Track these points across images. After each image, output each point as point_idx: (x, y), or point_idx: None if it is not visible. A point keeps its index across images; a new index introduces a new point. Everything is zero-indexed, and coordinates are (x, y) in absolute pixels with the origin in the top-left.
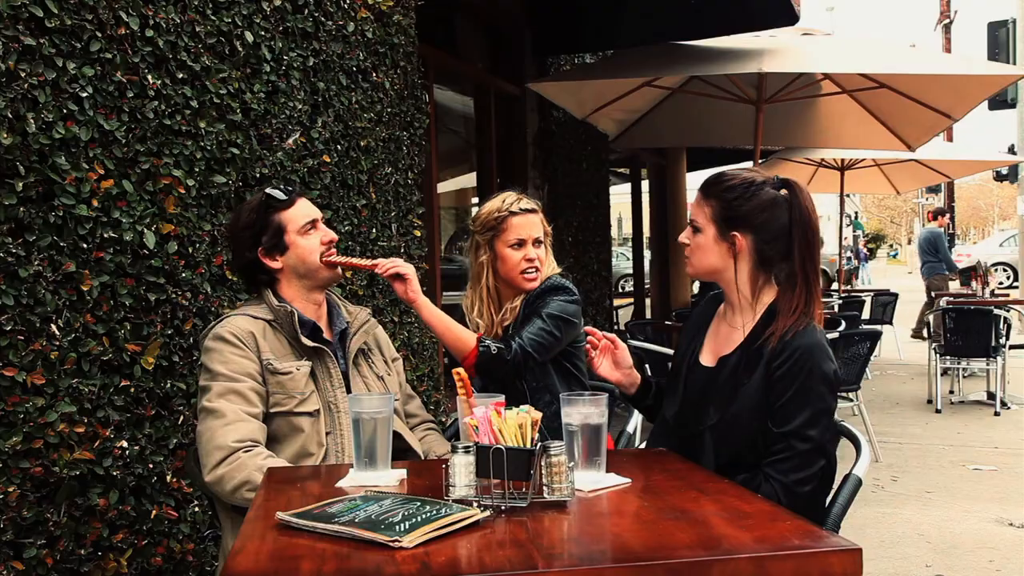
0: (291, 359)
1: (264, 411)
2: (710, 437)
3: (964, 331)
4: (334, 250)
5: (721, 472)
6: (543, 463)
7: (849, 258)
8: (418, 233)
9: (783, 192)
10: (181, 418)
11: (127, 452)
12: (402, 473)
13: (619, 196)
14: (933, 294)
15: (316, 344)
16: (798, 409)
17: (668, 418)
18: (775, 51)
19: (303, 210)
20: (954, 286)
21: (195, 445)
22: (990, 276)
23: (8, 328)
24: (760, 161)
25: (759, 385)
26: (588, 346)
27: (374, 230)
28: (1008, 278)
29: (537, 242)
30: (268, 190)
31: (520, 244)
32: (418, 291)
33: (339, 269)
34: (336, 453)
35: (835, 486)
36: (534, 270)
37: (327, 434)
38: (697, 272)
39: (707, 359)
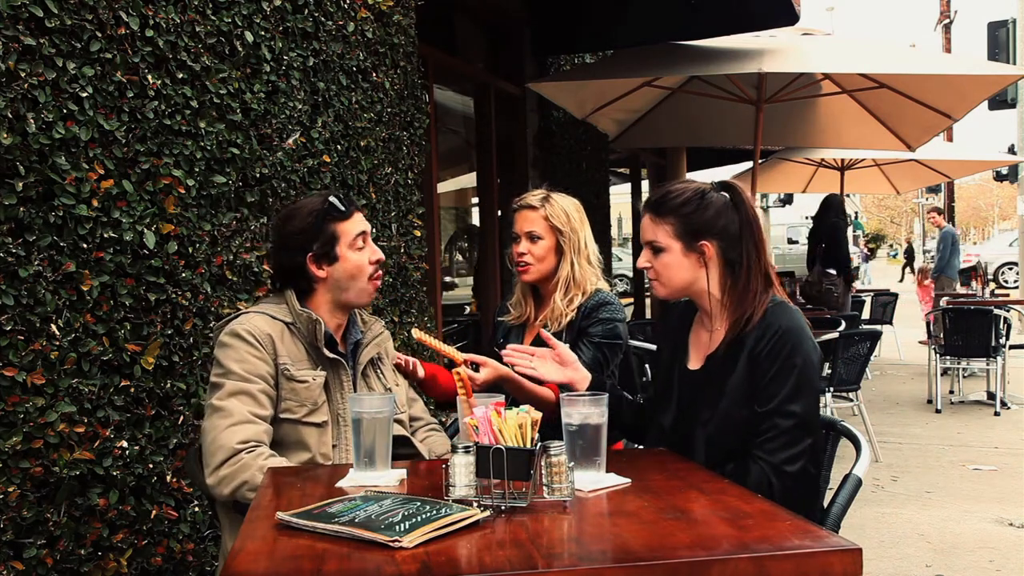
0: (307, 366)
1: (272, 414)
2: (701, 434)
3: (964, 331)
4: (377, 278)
5: (713, 466)
6: (543, 463)
7: (866, 256)
8: (418, 233)
9: (728, 195)
10: (181, 418)
11: (127, 452)
12: (402, 473)
13: (619, 196)
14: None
15: (335, 356)
16: (780, 386)
17: (665, 427)
18: (775, 51)
19: (357, 224)
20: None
21: (195, 445)
22: (1000, 276)
23: (8, 328)
24: (760, 161)
25: (745, 374)
26: (519, 359)
27: (374, 230)
28: (1016, 275)
29: (531, 237)
30: (331, 198)
31: (516, 238)
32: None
33: (374, 292)
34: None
35: (835, 486)
36: (524, 263)
37: (333, 447)
38: (671, 291)
39: (694, 364)
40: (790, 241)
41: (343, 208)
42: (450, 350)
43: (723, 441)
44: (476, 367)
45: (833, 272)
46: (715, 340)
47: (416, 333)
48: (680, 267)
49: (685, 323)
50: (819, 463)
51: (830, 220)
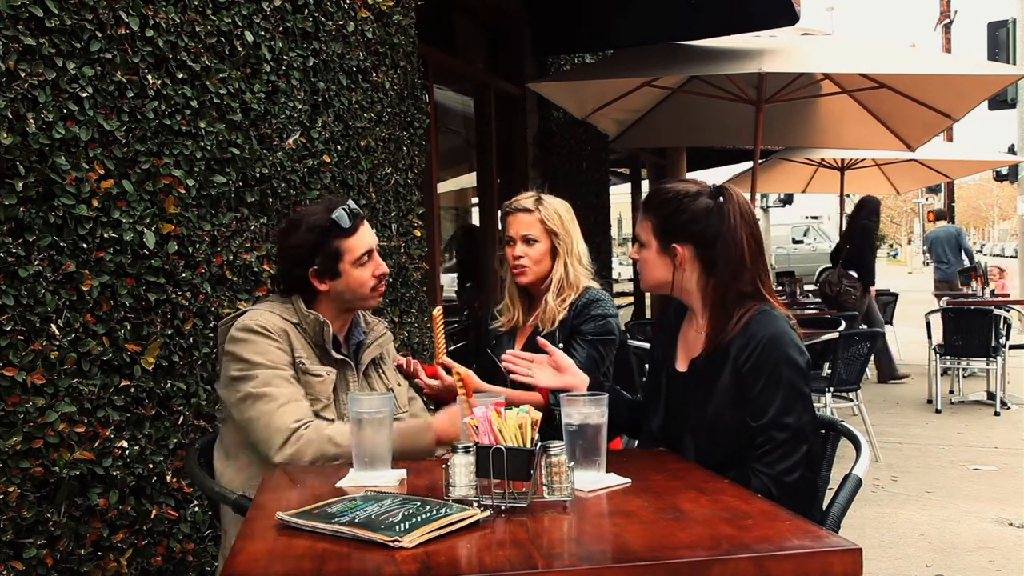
0: (317, 364)
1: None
2: (691, 441)
3: (964, 331)
4: (380, 289)
5: None
6: (543, 463)
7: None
8: (418, 233)
9: (719, 199)
10: (181, 418)
11: (127, 452)
12: (402, 473)
13: (619, 196)
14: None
15: (342, 357)
16: (771, 399)
17: (654, 430)
18: (775, 51)
19: (363, 240)
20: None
21: (196, 444)
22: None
23: (8, 328)
24: (760, 161)
25: (729, 382)
26: (517, 366)
27: (374, 230)
28: None
29: (527, 240)
30: (334, 215)
31: (511, 241)
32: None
33: (379, 300)
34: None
35: (835, 486)
36: (520, 267)
37: None
38: (648, 286)
39: (681, 365)
40: (795, 241)
41: (348, 225)
42: (440, 348)
43: (713, 447)
44: (448, 371)
45: (853, 274)
46: (701, 341)
47: (437, 312)
48: (655, 265)
49: (677, 321)
50: (816, 467)
51: (860, 221)
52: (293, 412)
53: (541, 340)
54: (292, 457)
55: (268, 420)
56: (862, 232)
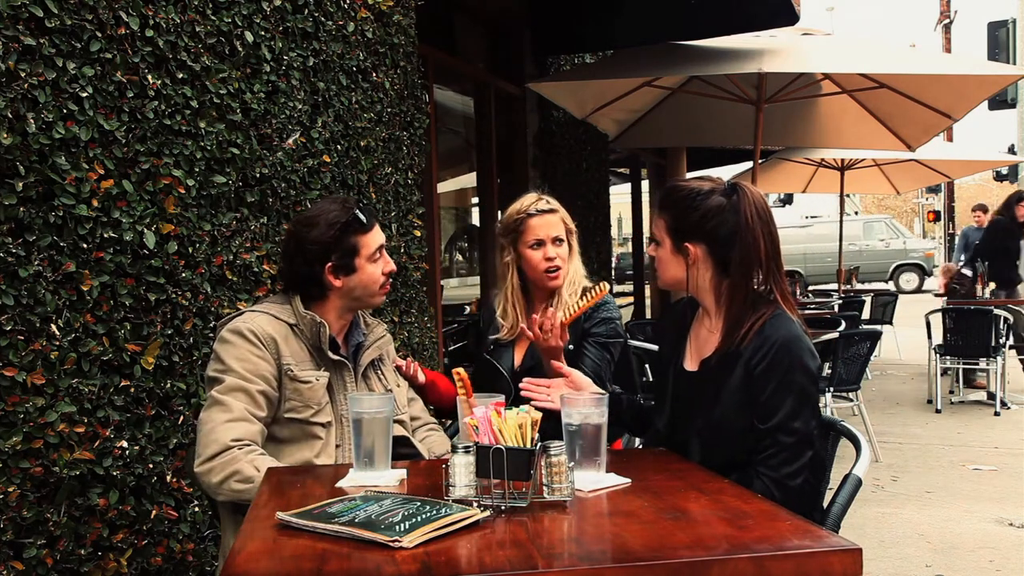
0: (310, 367)
1: (269, 416)
2: (697, 442)
3: (964, 331)
4: (387, 287)
5: None
6: (543, 463)
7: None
8: (418, 233)
9: (732, 197)
10: (181, 418)
11: (127, 452)
12: (402, 473)
13: (619, 196)
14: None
15: (338, 357)
16: (780, 403)
17: (660, 428)
18: (775, 51)
19: (376, 236)
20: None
21: (195, 445)
22: None
23: (8, 328)
24: (760, 161)
25: (740, 384)
26: (536, 393)
27: None
28: None
29: (557, 241)
30: (356, 211)
31: (539, 244)
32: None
33: (383, 300)
34: None
35: (835, 486)
36: (555, 268)
37: (336, 447)
38: (664, 283)
39: (691, 364)
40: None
41: (365, 221)
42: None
43: (718, 449)
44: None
45: (967, 273)
46: (713, 341)
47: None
48: (669, 263)
49: (687, 319)
50: (820, 471)
51: (995, 216)
52: (237, 430)
53: (556, 363)
54: (211, 470)
55: (212, 427)
56: (987, 227)
